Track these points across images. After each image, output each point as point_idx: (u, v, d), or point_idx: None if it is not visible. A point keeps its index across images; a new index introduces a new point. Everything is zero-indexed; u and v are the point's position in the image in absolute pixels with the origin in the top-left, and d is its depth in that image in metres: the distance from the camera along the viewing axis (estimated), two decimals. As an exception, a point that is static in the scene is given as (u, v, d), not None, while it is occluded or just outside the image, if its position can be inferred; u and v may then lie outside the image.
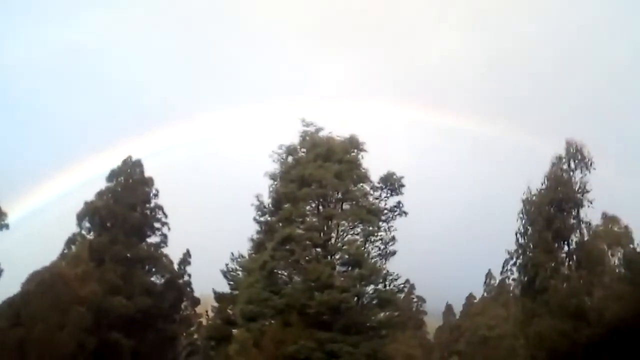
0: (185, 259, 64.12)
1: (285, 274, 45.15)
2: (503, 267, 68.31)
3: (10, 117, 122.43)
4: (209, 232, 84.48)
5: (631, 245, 39.12)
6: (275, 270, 44.17)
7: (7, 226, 52.97)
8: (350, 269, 43.83)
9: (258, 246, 46.32)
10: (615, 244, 41.10)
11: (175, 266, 63.35)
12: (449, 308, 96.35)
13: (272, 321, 42.90)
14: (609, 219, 42.96)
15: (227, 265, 54.43)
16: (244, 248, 49.68)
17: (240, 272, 52.01)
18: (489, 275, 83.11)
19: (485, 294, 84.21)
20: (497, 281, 79.75)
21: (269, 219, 46.06)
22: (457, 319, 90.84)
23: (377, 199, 45.78)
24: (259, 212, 46.44)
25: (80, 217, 59.39)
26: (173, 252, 63.05)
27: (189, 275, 64.14)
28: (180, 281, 63.46)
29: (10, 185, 63.37)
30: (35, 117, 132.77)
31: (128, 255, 59.17)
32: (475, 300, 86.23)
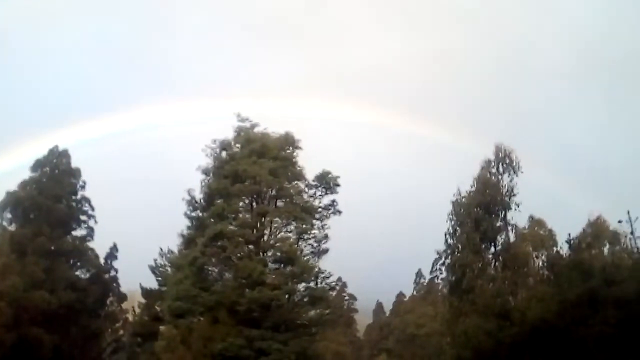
0: (112, 254, 62.36)
1: (216, 270, 44.70)
2: (432, 266, 69.96)
3: None
4: (138, 227, 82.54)
5: (555, 248, 40.63)
6: (206, 267, 43.71)
7: None
8: (282, 266, 43.68)
9: (188, 242, 45.45)
10: (539, 246, 42.62)
11: (102, 260, 61.53)
12: (379, 306, 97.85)
13: (201, 318, 42.33)
14: (535, 222, 44.49)
15: (155, 260, 53.99)
16: (174, 244, 49.03)
17: (169, 268, 51.49)
18: (419, 274, 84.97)
19: (414, 293, 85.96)
20: (427, 280, 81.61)
21: (200, 214, 45.28)
22: (387, 317, 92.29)
23: (311, 197, 45.63)
24: (190, 208, 45.64)
25: (1, 208, 57.09)
26: (99, 246, 61.26)
27: (116, 270, 62.38)
28: (106, 276, 61.62)
29: None
30: None
31: (52, 248, 57.01)
32: (405, 299, 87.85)
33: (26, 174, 58.36)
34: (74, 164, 59.85)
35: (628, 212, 24.79)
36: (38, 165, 58.83)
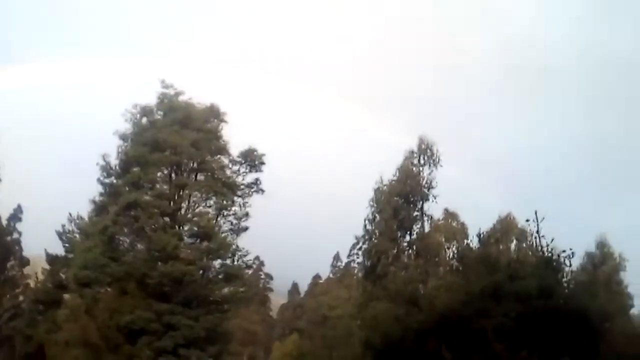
0: (16, 215, 60.14)
1: (128, 241, 43.66)
2: (350, 250, 71.68)
3: None
4: (46, 189, 79.66)
5: (465, 241, 42.37)
6: (117, 237, 42.61)
7: None
8: (198, 241, 43.14)
9: (100, 209, 44.14)
10: (451, 238, 44.42)
11: (4, 222, 59.43)
12: (294, 287, 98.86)
13: (109, 289, 41.46)
14: (449, 215, 46.22)
15: (63, 226, 52.35)
16: (84, 210, 47.77)
17: (77, 235, 50.18)
18: (336, 257, 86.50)
19: (331, 276, 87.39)
20: (344, 264, 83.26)
21: (115, 181, 43.85)
22: (301, 298, 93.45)
23: (234, 173, 44.90)
24: (105, 174, 44.04)
25: None
26: (2, 206, 58.83)
27: (19, 233, 60.39)
28: (8, 238, 59.65)
29: None
30: None
31: None
32: (321, 281, 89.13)
33: None
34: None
35: (535, 212, 26.21)
36: None
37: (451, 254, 42.44)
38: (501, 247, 38.88)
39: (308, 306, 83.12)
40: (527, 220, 26.73)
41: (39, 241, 57.91)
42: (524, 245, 39.15)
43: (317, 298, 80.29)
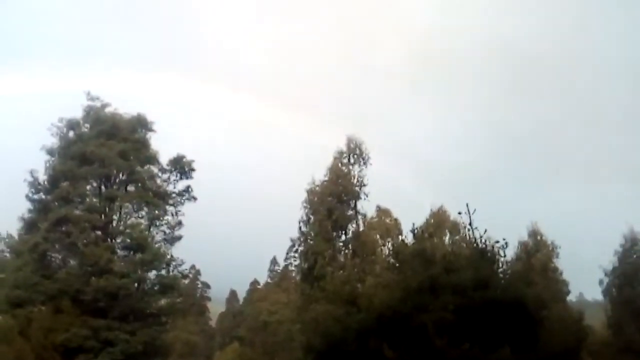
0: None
1: (60, 257, 41.67)
2: (287, 254, 70.14)
3: None
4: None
5: (400, 237, 41.53)
6: (48, 253, 40.59)
7: None
8: (132, 253, 41.24)
9: (30, 226, 41.80)
10: (386, 235, 43.52)
11: None
12: (233, 294, 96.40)
13: (42, 307, 39.24)
14: (382, 212, 45.37)
15: (-8, 245, 49.29)
16: (13, 228, 45.27)
17: (7, 254, 47.56)
18: (273, 261, 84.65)
19: (269, 280, 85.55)
20: (281, 268, 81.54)
21: (43, 197, 41.53)
22: (240, 305, 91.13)
23: (165, 181, 43.34)
24: (33, 190, 41.58)
25: None
26: None
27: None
28: None
29: None
30: None
31: None
32: (259, 287, 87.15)
33: None
34: None
35: (467, 205, 25.24)
36: None
37: (387, 251, 41.45)
38: (435, 240, 38.11)
39: (247, 313, 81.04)
40: (460, 213, 25.75)
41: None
42: (457, 237, 38.56)
43: (256, 304, 78.45)
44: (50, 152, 41.47)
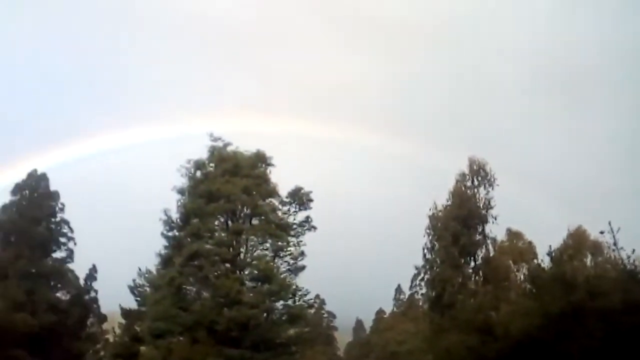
0: (92, 275, 60.78)
1: (194, 290, 42.66)
2: (412, 282, 68.17)
3: None
4: (116, 247, 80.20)
5: (535, 261, 38.85)
6: (184, 286, 41.71)
7: None
8: (259, 284, 41.69)
9: (166, 261, 43.38)
10: (519, 259, 40.89)
11: (82, 282, 59.88)
12: (359, 323, 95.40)
13: (181, 338, 40.23)
14: (513, 235, 42.80)
15: (134, 281, 51.37)
16: (152, 263, 46.54)
17: (147, 288, 49.28)
18: (398, 290, 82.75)
19: (394, 309, 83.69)
20: (407, 296, 79.53)
21: (177, 234, 43.27)
22: (367, 335, 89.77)
23: (285, 213, 43.78)
24: (167, 227, 43.53)
25: None
26: (79, 267, 59.76)
27: (96, 291, 60.94)
28: (87, 297, 60.26)
29: None
30: None
31: (33, 270, 55.89)
32: (385, 316, 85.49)
33: (7, 198, 57.43)
34: (53, 187, 58.81)
35: (609, 223, 22.81)
36: (17, 189, 57.80)
37: (521, 276, 38.86)
38: (575, 263, 35.10)
39: (374, 343, 79.47)
40: (602, 232, 23.35)
41: (114, 297, 57.46)
42: (601, 259, 35.28)
43: (383, 334, 76.75)
44: (180, 191, 43.30)
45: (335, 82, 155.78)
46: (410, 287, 73.56)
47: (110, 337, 59.56)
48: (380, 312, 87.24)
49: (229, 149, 44.06)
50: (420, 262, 44.31)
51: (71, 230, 58.52)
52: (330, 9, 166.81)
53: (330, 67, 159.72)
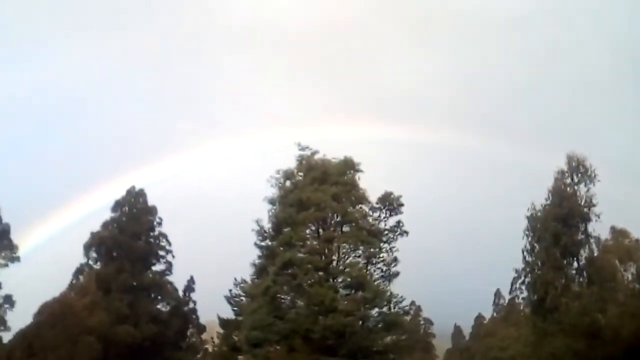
0: (190, 286, 62.90)
1: (288, 298, 42.86)
2: (511, 286, 65.78)
3: (16, 154, 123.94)
4: (212, 258, 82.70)
5: (643, 259, 36.53)
6: (278, 295, 41.92)
7: (18, 259, 53.40)
8: (353, 292, 41.38)
9: (260, 271, 44.03)
10: (626, 258, 38.55)
11: (180, 293, 61.93)
12: (457, 330, 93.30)
13: (277, 347, 40.49)
14: (618, 233, 40.44)
15: (230, 291, 52.59)
16: (247, 273, 47.34)
17: (243, 298, 50.26)
18: (497, 294, 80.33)
19: (494, 314, 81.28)
20: (507, 301, 77.10)
21: (269, 243, 43.78)
22: (466, 341, 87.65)
23: (376, 219, 43.38)
24: (260, 237, 44.13)
25: (87, 248, 59.07)
26: (177, 279, 62.04)
27: (194, 302, 62.96)
28: (186, 308, 62.34)
29: (20, 220, 62.14)
30: (41, 154, 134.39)
31: (134, 283, 58.50)
32: (485, 321, 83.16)
33: (107, 215, 60.28)
34: (150, 202, 61.27)
35: None
36: (117, 205, 60.63)
37: (629, 276, 36.60)
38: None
39: (475, 349, 77.39)
40: None
41: (212, 307, 59.08)
42: None
43: (483, 340, 74.62)
44: (271, 201, 43.74)
45: (414, 83, 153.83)
46: (510, 291, 70.95)
47: (210, 347, 61.28)
48: (479, 318, 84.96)
49: (317, 157, 44.31)
50: (519, 264, 42.67)
51: (169, 243, 60.88)
52: (400, 9, 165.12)
53: (406, 69, 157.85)
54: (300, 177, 44.22)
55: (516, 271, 44.35)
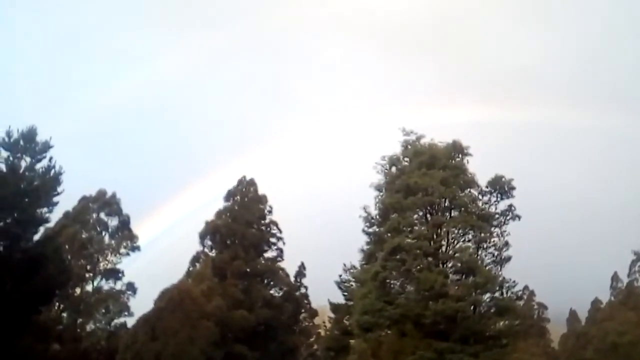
0: (301, 272, 64.92)
1: (398, 284, 43.13)
2: (630, 269, 63.25)
3: (133, 149, 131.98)
4: (322, 244, 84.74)
5: None
6: (387, 281, 42.30)
7: (138, 248, 56.97)
8: (464, 277, 41.23)
9: (369, 257, 44.87)
10: None
11: (292, 279, 63.80)
12: (573, 314, 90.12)
13: (388, 331, 41.20)
14: None
15: (340, 276, 53.84)
16: (356, 259, 48.64)
17: (353, 283, 51.22)
18: (615, 278, 77.06)
19: (612, 298, 78.02)
20: (625, 284, 74.04)
21: (377, 229, 44.37)
22: (583, 326, 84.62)
23: (486, 204, 42.71)
24: (367, 224, 44.85)
25: (202, 236, 61.80)
26: (289, 265, 63.95)
27: (305, 288, 65.05)
28: (297, 293, 64.25)
29: (138, 211, 66.58)
30: (156, 149, 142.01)
31: (248, 270, 60.77)
32: (602, 305, 79.95)
33: (220, 204, 63.06)
34: (260, 191, 63.43)
35: None
36: (230, 195, 63.20)
37: None
38: None
39: (592, 334, 74.53)
40: None
41: (323, 293, 60.80)
42: None
43: (601, 324, 71.81)
44: (378, 188, 44.21)
45: (519, 63, 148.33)
46: (629, 274, 68.37)
47: (322, 331, 63.31)
48: (596, 302, 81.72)
49: (423, 141, 44.12)
50: (638, 247, 40.90)
51: (280, 230, 62.88)
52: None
53: (510, 48, 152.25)
54: (406, 163, 44.23)
55: (635, 253, 42.68)
